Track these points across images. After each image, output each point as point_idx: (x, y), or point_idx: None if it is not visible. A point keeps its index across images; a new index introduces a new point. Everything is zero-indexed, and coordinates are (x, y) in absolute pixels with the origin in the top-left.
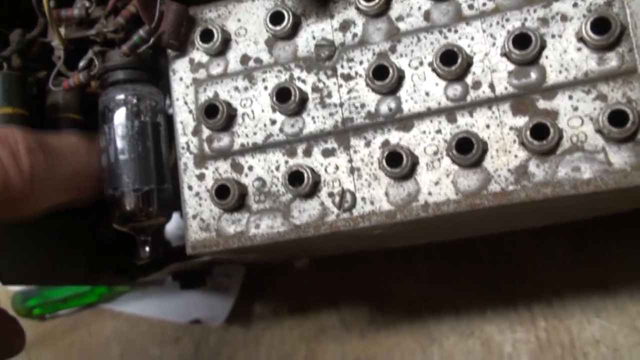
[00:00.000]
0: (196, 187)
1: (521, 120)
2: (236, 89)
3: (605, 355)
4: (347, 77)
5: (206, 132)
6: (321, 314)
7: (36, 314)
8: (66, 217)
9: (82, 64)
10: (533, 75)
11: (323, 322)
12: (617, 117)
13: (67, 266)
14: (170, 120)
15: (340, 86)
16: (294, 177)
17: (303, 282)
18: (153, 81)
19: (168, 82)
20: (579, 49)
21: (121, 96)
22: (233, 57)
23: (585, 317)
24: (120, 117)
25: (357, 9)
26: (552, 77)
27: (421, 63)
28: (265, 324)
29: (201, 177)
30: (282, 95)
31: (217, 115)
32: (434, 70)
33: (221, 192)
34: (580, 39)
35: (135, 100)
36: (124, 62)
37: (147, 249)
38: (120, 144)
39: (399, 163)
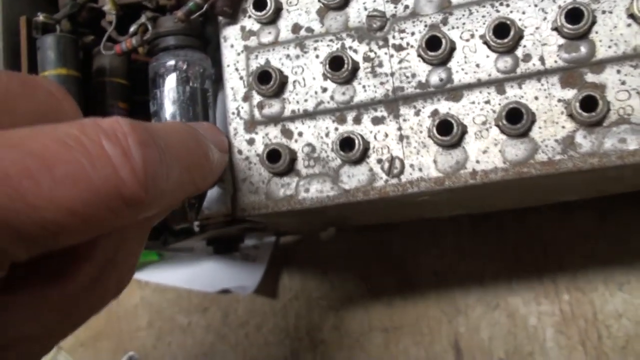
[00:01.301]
0: (246, 151)
1: (569, 93)
2: (288, 56)
3: (628, 328)
4: (399, 48)
5: (257, 98)
6: (348, 284)
7: None
8: None
9: (132, 29)
10: (583, 50)
11: (350, 291)
12: None
13: None
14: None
15: (391, 56)
16: (345, 143)
17: (330, 253)
18: (201, 48)
19: (215, 49)
20: (629, 25)
21: (172, 62)
22: (284, 25)
23: (608, 290)
24: (171, 82)
25: None
26: (602, 52)
27: (472, 35)
28: (293, 294)
29: (251, 141)
30: (335, 63)
31: (270, 82)
32: (485, 42)
33: (273, 156)
34: (630, 15)
35: (185, 66)
36: (176, 28)
37: (195, 212)
38: (171, 108)
39: (449, 131)
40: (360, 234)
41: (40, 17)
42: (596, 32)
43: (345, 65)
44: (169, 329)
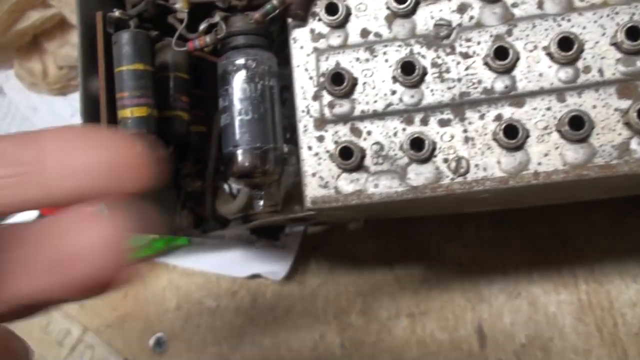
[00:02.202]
0: (315, 147)
1: (625, 103)
2: (357, 59)
3: None
4: (465, 55)
5: (327, 98)
6: (376, 273)
7: None
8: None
9: (202, 27)
10: (639, 64)
11: (377, 279)
12: None
13: (162, 215)
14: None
15: (458, 63)
16: (415, 143)
17: (358, 243)
18: (268, 47)
19: (280, 49)
20: None
21: (242, 60)
22: (353, 30)
23: (624, 282)
24: (240, 80)
25: None
26: None
27: (535, 47)
28: (321, 280)
29: (320, 138)
30: (406, 68)
31: (343, 83)
32: (548, 54)
33: (345, 153)
34: None
35: (254, 65)
36: (247, 28)
37: (261, 202)
38: (240, 105)
39: (515, 135)
40: (387, 225)
41: (116, 13)
42: None
43: (417, 70)
44: (198, 311)
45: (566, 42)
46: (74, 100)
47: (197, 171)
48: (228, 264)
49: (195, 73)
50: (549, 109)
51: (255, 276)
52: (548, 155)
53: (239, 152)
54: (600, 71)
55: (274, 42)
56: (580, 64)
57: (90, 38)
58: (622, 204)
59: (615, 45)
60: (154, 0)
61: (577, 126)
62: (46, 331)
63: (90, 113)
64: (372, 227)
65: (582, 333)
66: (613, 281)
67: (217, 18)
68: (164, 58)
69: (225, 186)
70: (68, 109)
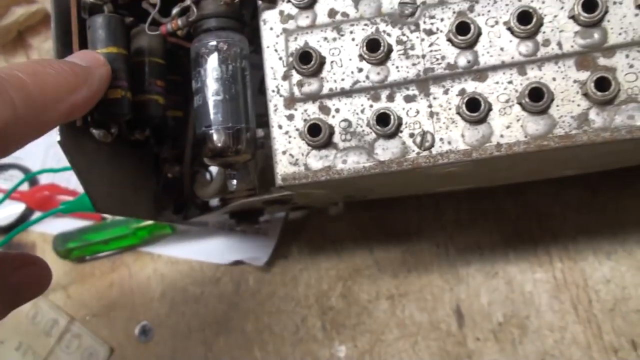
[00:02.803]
0: (285, 126)
1: (584, 75)
2: (325, 39)
3: (615, 292)
4: (429, 32)
5: (296, 77)
6: (355, 256)
7: (75, 255)
8: (139, 153)
9: (175, 11)
10: (596, 36)
11: (357, 263)
12: None
13: (139, 200)
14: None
15: (422, 40)
16: (380, 119)
17: (338, 228)
18: (239, 29)
19: (251, 31)
20: (637, 15)
21: (214, 43)
22: (321, 10)
23: (597, 259)
24: (212, 62)
25: None
26: (612, 38)
27: (497, 22)
28: (302, 265)
29: (290, 117)
30: (371, 45)
31: (310, 62)
32: (509, 28)
33: (313, 130)
34: (638, 6)
35: (226, 47)
36: (218, 11)
37: (234, 182)
38: (214, 86)
39: (477, 108)
40: (366, 209)
41: None
42: (608, 21)
43: (381, 47)
44: (182, 299)
45: (526, 17)
46: None
47: (175, 156)
48: (211, 252)
49: (172, 59)
50: (510, 82)
51: (237, 263)
52: (510, 128)
53: (212, 132)
54: (559, 44)
55: (246, 26)
56: (539, 37)
57: (65, 23)
58: (595, 182)
59: (573, 18)
60: None
61: (537, 98)
62: (34, 322)
63: None
64: (352, 212)
65: (557, 310)
66: (587, 259)
67: (188, 2)
68: (139, 44)
69: (207, 174)
70: None
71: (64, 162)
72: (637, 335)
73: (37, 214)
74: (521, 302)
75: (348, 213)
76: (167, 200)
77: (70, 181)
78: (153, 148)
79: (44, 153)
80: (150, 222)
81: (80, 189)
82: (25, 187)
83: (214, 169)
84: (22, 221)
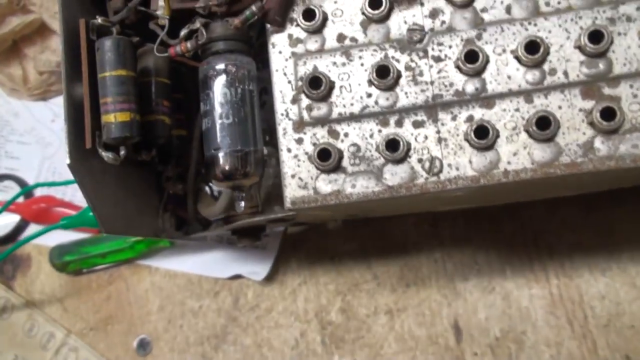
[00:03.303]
0: (295, 149)
1: (589, 104)
2: (334, 64)
3: (610, 308)
4: (437, 59)
5: (305, 101)
6: (354, 271)
7: (72, 268)
8: (143, 172)
9: (183, 33)
10: (601, 66)
11: (356, 278)
12: None
13: (142, 219)
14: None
15: (431, 66)
16: (390, 144)
17: (337, 242)
18: (248, 52)
19: (259, 54)
20: None
21: (222, 65)
22: (329, 35)
23: (593, 276)
24: (220, 84)
25: None
26: (617, 69)
27: (504, 50)
28: (301, 279)
29: (299, 141)
30: (381, 71)
31: (320, 87)
32: (516, 57)
33: (323, 154)
34: None
35: (234, 70)
36: (226, 34)
37: (242, 204)
38: (221, 109)
39: (485, 135)
40: (365, 224)
41: (99, 20)
42: (613, 51)
43: (391, 74)
44: (180, 312)
45: (533, 46)
46: (55, 105)
47: (179, 174)
48: (210, 265)
49: (175, 77)
50: (517, 110)
51: (236, 276)
52: (517, 155)
53: (221, 155)
54: (566, 73)
55: (253, 47)
56: (546, 66)
57: (73, 44)
58: (590, 200)
59: (579, 48)
60: (135, 7)
61: (544, 126)
62: (30, 335)
63: (75, 118)
64: (351, 227)
65: (553, 326)
66: (582, 275)
67: (197, 24)
68: (145, 63)
69: (207, 188)
70: (49, 113)
71: (59, 174)
72: (631, 350)
73: (31, 226)
74: (518, 318)
75: (346, 228)
76: (169, 217)
77: (66, 193)
78: (157, 167)
79: (39, 165)
80: None
81: (76, 201)
82: (20, 198)
83: (213, 185)
84: (17, 232)
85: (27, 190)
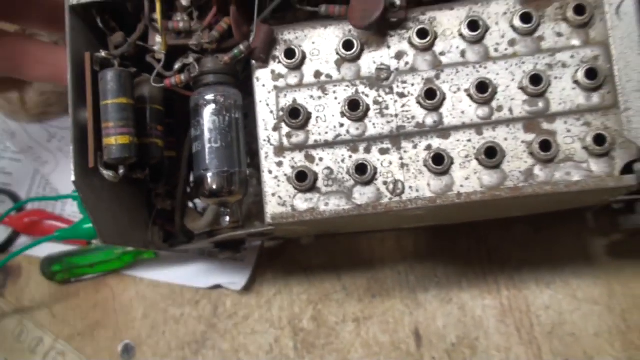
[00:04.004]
0: (275, 171)
1: (530, 137)
2: (311, 97)
3: (553, 318)
4: (402, 95)
5: (285, 129)
6: (325, 283)
7: (61, 278)
8: (135, 189)
9: (177, 66)
10: (540, 105)
11: (327, 289)
12: (598, 139)
13: (134, 231)
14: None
15: (395, 101)
16: (359, 168)
17: (309, 256)
18: (234, 84)
19: (244, 85)
20: (574, 88)
21: (212, 96)
22: (307, 71)
23: (539, 288)
24: (209, 112)
25: (410, 43)
26: (554, 107)
27: (459, 89)
28: (276, 289)
29: (279, 164)
30: (352, 105)
31: (299, 117)
32: (469, 95)
33: (300, 176)
34: (575, 82)
35: (222, 100)
36: (216, 68)
37: (227, 218)
38: (210, 134)
39: (442, 162)
40: (335, 240)
41: (102, 54)
42: (550, 92)
43: (361, 107)
44: (163, 320)
45: (483, 86)
46: (50, 126)
47: (168, 191)
48: (191, 276)
49: (167, 104)
50: (469, 140)
51: (216, 286)
52: (469, 179)
53: (209, 175)
54: (511, 110)
55: (239, 80)
56: (494, 103)
57: (79, 75)
58: (537, 220)
59: (522, 89)
60: (134, 42)
61: (491, 155)
62: (19, 340)
63: (80, 140)
64: (322, 242)
65: (503, 333)
66: (530, 287)
67: (190, 59)
68: (141, 92)
69: (190, 204)
70: (45, 134)
71: (50, 188)
72: (571, 355)
73: (22, 237)
74: (472, 325)
75: (318, 243)
76: (158, 230)
77: (56, 207)
78: (148, 184)
79: (31, 179)
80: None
81: (65, 215)
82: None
83: (198, 202)
84: (8, 244)
85: (20, 205)
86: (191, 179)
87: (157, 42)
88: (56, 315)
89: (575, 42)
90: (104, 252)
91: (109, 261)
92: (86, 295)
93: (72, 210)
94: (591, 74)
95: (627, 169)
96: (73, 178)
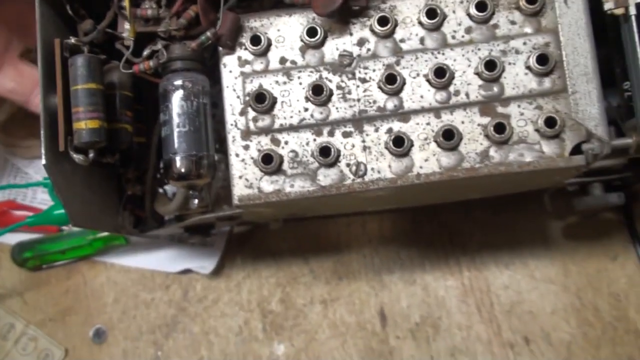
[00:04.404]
0: (242, 155)
1: (486, 120)
2: (277, 82)
3: (512, 297)
4: (363, 80)
5: (252, 114)
6: (293, 266)
7: (32, 264)
8: (106, 175)
9: (146, 52)
10: (495, 89)
11: (295, 272)
12: (548, 122)
13: (105, 215)
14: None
15: (357, 86)
16: (323, 151)
17: (278, 241)
18: (202, 70)
19: (212, 73)
20: (526, 74)
21: (180, 82)
22: (273, 58)
23: (498, 269)
24: (178, 98)
25: (371, 30)
26: (508, 91)
27: (418, 74)
28: (245, 273)
29: (246, 147)
30: (316, 90)
31: (265, 101)
32: (427, 80)
33: (266, 159)
34: (528, 67)
35: (190, 85)
36: (184, 54)
37: (196, 201)
38: (179, 119)
39: (402, 144)
40: (303, 225)
41: (72, 40)
42: (505, 78)
43: (324, 92)
44: (134, 304)
45: (441, 71)
46: None
47: (138, 177)
48: (161, 261)
49: (136, 91)
50: (428, 123)
51: (186, 271)
52: (428, 161)
53: (178, 158)
54: (467, 94)
55: (206, 66)
56: (452, 88)
57: (49, 61)
58: (497, 204)
59: (478, 74)
60: (104, 29)
61: (449, 137)
62: None
63: (50, 124)
64: (290, 228)
65: (465, 312)
66: (490, 269)
67: (159, 46)
68: (110, 78)
69: (160, 190)
70: None
71: (21, 177)
72: (530, 332)
73: None
74: (435, 305)
75: (286, 228)
76: (128, 215)
77: (27, 195)
78: (118, 170)
79: (2, 168)
80: (105, 233)
81: (35, 203)
82: None
83: (168, 188)
84: None
85: None
86: (161, 164)
87: (126, 29)
88: (27, 301)
89: (528, 29)
90: (75, 239)
91: (80, 247)
92: (57, 281)
93: (42, 198)
94: (542, 60)
95: (576, 150)
96: (44, 162)
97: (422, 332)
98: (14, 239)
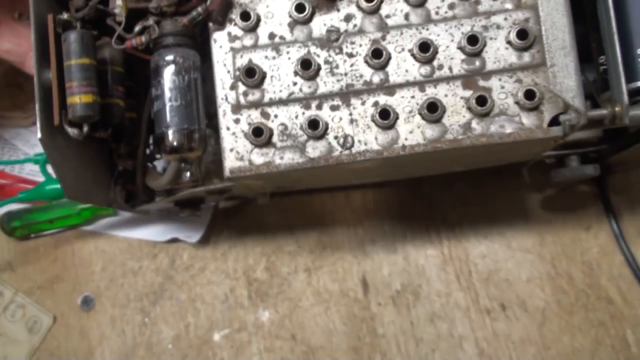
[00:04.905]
0: (233, 128)
1: (468, 93)
2: (266, 57)
3: (489, 265)
4: (350, 55)
5: (242, 88)
6: (278, 236)
7: (20, 233)
8: (98, 149)
9: (137, 28)
10: (477, 63)
11: (280, 242)
12: (528, 94)
13: (97, 189)
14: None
15: (345, 61)
16: (311, 124)
17: (264, 213)
18: (193, 45)
19: (203, 47)
20: (507, 48)
21: (171, 57)
22: (262, 33)
23: (477, 239)
24: (169, 73)
25: (357, 6)
26: (489, 65)
27: (403, 49)
28: (232, 243)
29: (237, 121)
30: (304, 64)
31: (254, 76)
32: (412, 55)
33: (257, 132)
34: (508, 42)
35: (181, 60)
36: (175, 30)
37: (188, 174)
38: (170, 93)
39: (388, 117)
40: (289, 197)
41: (65, 16)
42: (486, 52)
43: (313, 66)
44: (122, 272)
45: (425, 46)
46: None
47: (129, 152)
48: (149, 231)
49: (128, 67)
50: (413, 97)
51: (173, 240)
52: (412, 133)
53: (170, 132)
54: (450, 68)
55: (197, 41)
56: (435, 62)
57: (43, 36)
58: (477, 177)
59: (461, 49)
60: (95, 5)
61: (433, 110)
62: None
63: (44, 99)
64: (276, 201)
65: (444, 280)
66: (469, 239)
67: (150, 21)
68: (102, 54)
69: (150, 165)
70: None
71: (8, 148)
72: (506, 299)
73: None
74: (415, 274)
75: (273, 202)
76: (120, 190)
77: (14, 167)
78: (110, 144)
79: None
80: None
81: (24, 173)
82: None
83: (158, 163)
84: None
85: None
86: (151, 140)
87: (118, 5)
88: (16, 269)
89: (508, 5)
90: (64, 208)
91: (68, 217)
92: (46, 250)
93: (30, 169)
94: (522, 34)
95: (554, 121)
96: (39, 135)
97: (403, 299)
98: (2, 208)
